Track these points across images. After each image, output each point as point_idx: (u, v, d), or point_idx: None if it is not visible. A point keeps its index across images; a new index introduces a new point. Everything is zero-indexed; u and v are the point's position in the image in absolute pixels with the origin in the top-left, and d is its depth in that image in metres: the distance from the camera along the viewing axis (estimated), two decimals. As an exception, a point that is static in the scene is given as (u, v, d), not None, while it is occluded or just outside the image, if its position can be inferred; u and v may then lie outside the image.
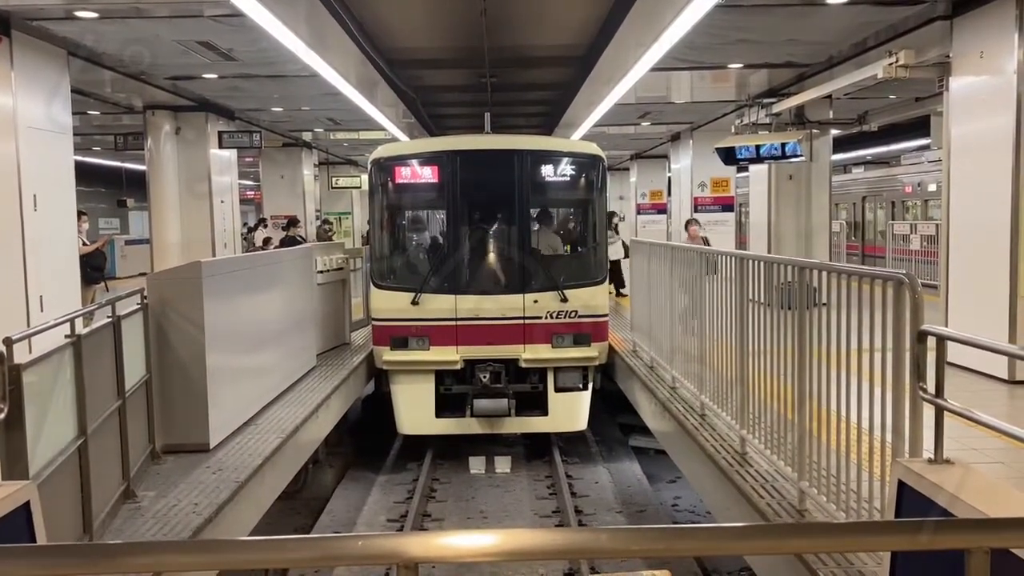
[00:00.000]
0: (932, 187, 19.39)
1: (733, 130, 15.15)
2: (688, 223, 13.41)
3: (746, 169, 16.67)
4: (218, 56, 11.03)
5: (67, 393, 4.94)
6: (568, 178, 11.44)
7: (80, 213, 11.62)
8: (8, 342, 4.02)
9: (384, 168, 11.31)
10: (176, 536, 5.24)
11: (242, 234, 19.57)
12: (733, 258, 6.66)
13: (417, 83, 14.62)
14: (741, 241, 21.19)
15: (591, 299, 10.96)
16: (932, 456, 3.60)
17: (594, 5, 10.18)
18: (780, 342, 5.50)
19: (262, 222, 22.78)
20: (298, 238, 16.58)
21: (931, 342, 3.74)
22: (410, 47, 12.27)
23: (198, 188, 14.96)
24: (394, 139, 18.54)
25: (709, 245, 11.26)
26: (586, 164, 11.42)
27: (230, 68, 11.94)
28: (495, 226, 11.62)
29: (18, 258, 8.90)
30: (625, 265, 14.01)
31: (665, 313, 8.94)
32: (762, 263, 6.03)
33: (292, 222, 17.63)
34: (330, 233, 20.81)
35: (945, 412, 3.65)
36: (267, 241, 18.22)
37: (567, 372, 10.98)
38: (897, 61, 9.47)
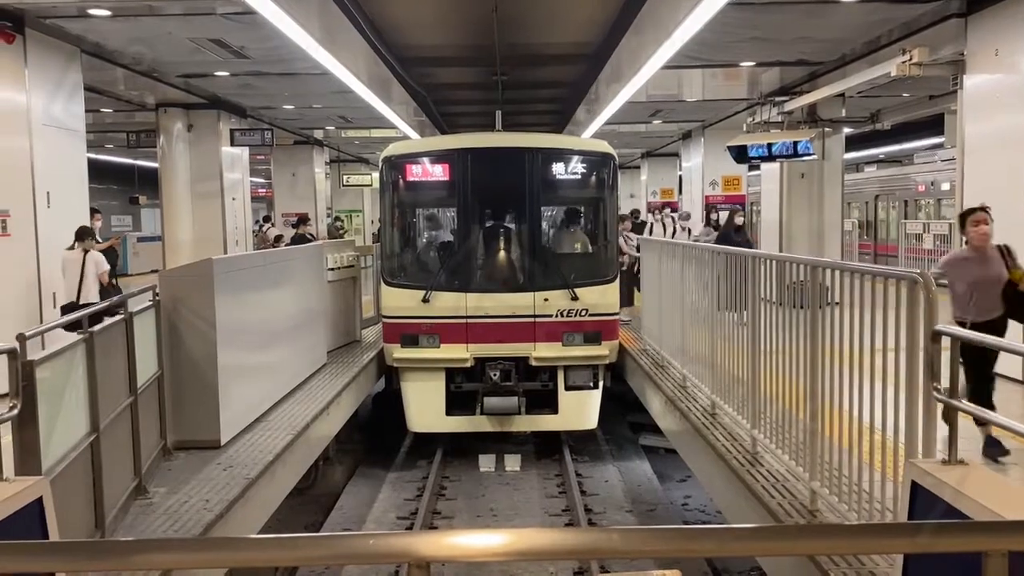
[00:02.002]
0: (945, 186, 19.27)
1: (745, 128, 15.09)
2: (972, 215, 6.29)
3: (758, 167, 16.60)
4: (230, 54, 11.07)
5: (79, 389, 4.95)
6: (579, 176, 11.42)
7: (93, 211, 11.69)
8: (21, 338, 4.04)
9: (395, 166, 11.31)
10: (187, 532, 5.26)
11: (254, 231, 19.64)
12: (743, 258, 6.63)
13: (428, 81, 14.63)
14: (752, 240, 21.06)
15: (602, 297, 10.94)
16: (945, 457, 3.57)
17: (605, 3, 10.15)
18: (792, 341, 5.47)
19: (267, 219, 22.81)
20: (308, 236, 16.61)
21: (945, 342, 3.71)
22: (421, 45, 12.28)
23: (210, 185, 15.02)
24: (405, 137, 18.55)
25: (1011, 252, 6.18)
26: (597, 162, 11.39)
27: (242, 66, 11.98)
28: (506, 224, 11.61)
29: (31, 255, 8.96)
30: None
31: (676, 312, 8.92)
32: (774, 262, 6.01)
33: (303, 219, 17.69)
34: (342, 231, 20.85)
35: (959, 413, 3.62)
36: (278, 239, 18.26)
37: (577, 370, 10.96)
38: (911, 59, 9.41)
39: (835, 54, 11.78)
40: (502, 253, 11.29)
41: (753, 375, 6.18)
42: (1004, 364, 7.71)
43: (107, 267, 9.76)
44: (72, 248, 9.51)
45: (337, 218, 24.01)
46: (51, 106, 9.34)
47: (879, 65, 10.49)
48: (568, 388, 10.98)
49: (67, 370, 4.82)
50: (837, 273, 4.91)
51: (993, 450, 5.59)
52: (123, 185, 29.90)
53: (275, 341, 8.75)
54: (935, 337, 3.72)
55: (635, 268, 12.94)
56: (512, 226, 11.52)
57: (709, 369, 7.53)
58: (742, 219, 13.30)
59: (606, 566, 7.88)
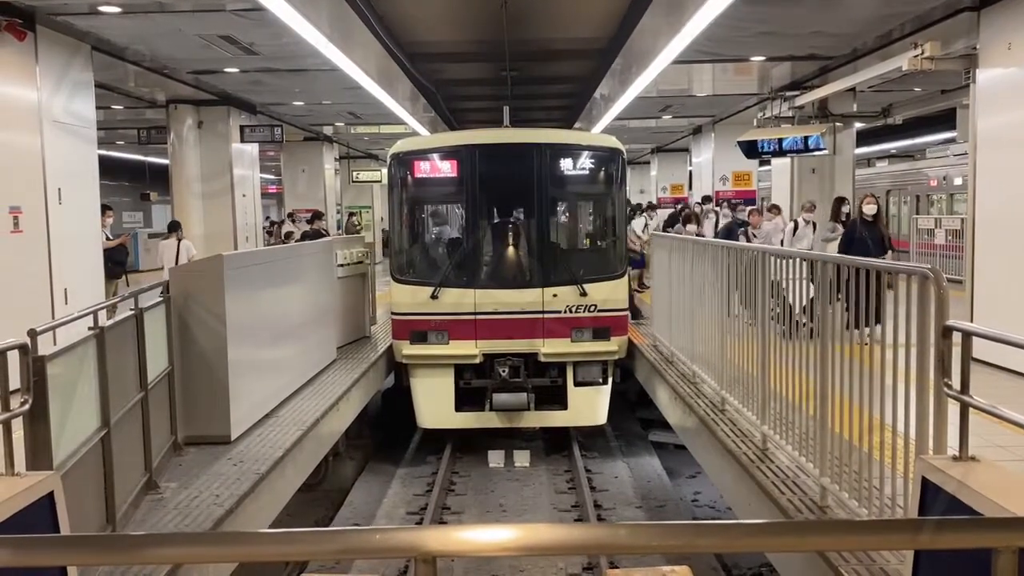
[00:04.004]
0: (958, 181, 19.15)
1: (755, 123, 15.04)
2: None
3: (768, 163, 16.54)
4: (240, 50, 11.09)
5: (90, 385, 4.98)
6: (587, 171, 11.39)
7: (105, 208, 11.81)
8: (32, 334, 4.06)
9: (403, 162, 11.31)
10: (198, 527, 5.28)
11: (264, 227, 19.71)
12: (755, 254, 6.61)
13: (437, 77, 14.63)
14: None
15: (610, 293, 10.92)
16: (956, 453, 3.55)
17: (615, -3, 10.13)
18: (803, 338, 5.45)
19: (290, 216, 22.70)
20: (322, 231, 16.77)
21: (956, 337, 3.68)
22: (431, 40, 12.28)
23: (220, 182, 15.08)
24: (414, 133, 18.56)
25: None
26: (605, 157, 11.36)
27: (252, 62, 12.00)
28: (514, 220, 11.60)
29: (43, 251, 9.01)
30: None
31: (685, 308, 8.89)
32: (782, 259, 5.98)
33: (316, 215, 17.92)
34: (358, 227, 21.00)
35: (970, 409, 3.60)
36: (288, 235, 18.40)
37: (586, 366, 10.95)
38: (923, 53, 9.35)
39: (846, 48, 11.71)
40: (510, 249, 11.29)
41: (763, 371, 6.16)
42: (1019, 360, 7.67)
43: (195, 252, 12.72)
44: (167, 238, 13.15)
45: (352, 213, 24.01)
46: (62, 103, 9.38)
47: (891, 59, 10.42)
48: (577, 384, 10.97)
49: (78, 366, 4.84)
50: (847, 269, 4.89)
51: None
52: (134, 182, 30.02)
53: (285, 337, 8.77)
54: (946, 333, 3.69)
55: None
56: (520, 222, 11.51)
57: (719, 364, 7.50)
58: (874, 208, 10.21)
59: (615, 562, 7.88)
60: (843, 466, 4.78)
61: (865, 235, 9.90)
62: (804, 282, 5.53)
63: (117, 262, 12.09)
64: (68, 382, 4.66)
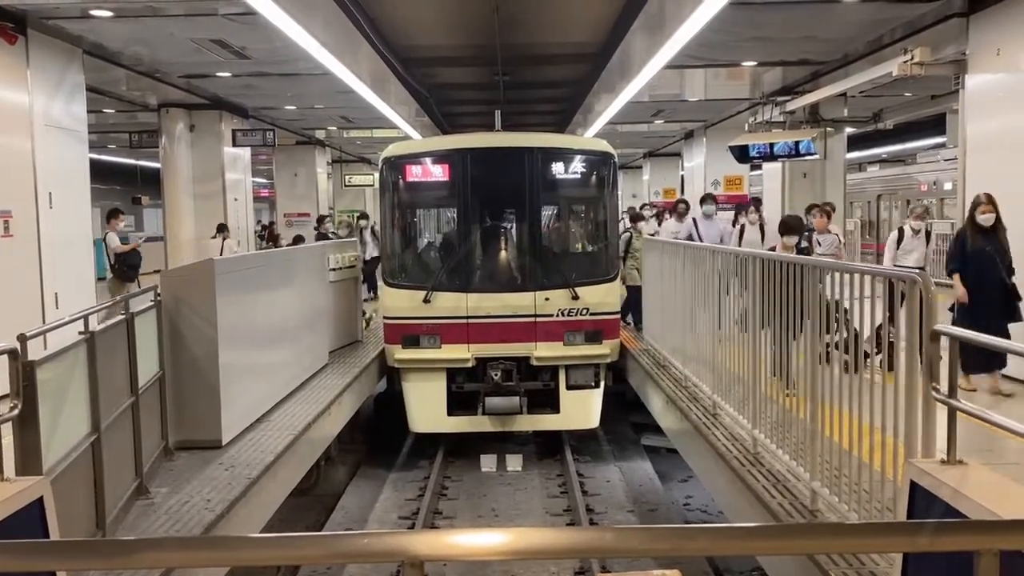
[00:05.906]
0: (948, 185, 19.24)
1: (747, 128, 15.10)
2: None
3: (760, 167, 16.60)
4: (232, 54, 11.09)
5: (81, 389, 4.96)
6: (579, 175, 11.41)
7: (118, 211, 11.93)
8: (22, 338, 4.05)
9: (395, 166, 11.32)
10: (188, 532, 5.27)
11: (256, 232, 19.66)
12: (750, 258, 6.63)
13: (430, 81, 14.64)
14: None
15: (603, 297, 10.94)
16: (944, 457, 3.57)
17: (608, 2, 10.15)
18: (795, 341, 5.47)
19: (324, 219, 21.83)
20: (329, 235, 16.97)
21: (944, 342, 3.71)
22: (423, 45, 12.29)
23: (211, 186, 15.08)
24: (407, 137, 18.57)
25: None
26: (596, 161, 11.39)
27: (244, 66, 11.99)
28: (506, 224, 11.61)
29: (34, 255, 8.98)
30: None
31: (677, 312, 8.92)
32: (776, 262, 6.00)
33: (320, 220, 18.12)
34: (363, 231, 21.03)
35: (958, 412, 3.63)
36: (277, 237, 18.57)
37: (579, 370, 10.96)
38: (913, 59, 9.42)
39: (837, 53, 11.77)
40: (502, 253, 11.30)
41: (754, 376, 6.18)
42: (1010, 365, 7.71)
43: (237, 249, 14.29)
44: (214, 238, 14.36)
45: (362, 215, 23.91)
46: (53, 107, 9.36)
47: (881, 65, 10.49)
48: (569, 387, 10.98)
49: (68, 370, 4.83)
50: (837, 274, 4.91)
51: None
52: (126, 185, 29.93)
53: (277, 341, 8.76)
54: (934, 337, 3.72)
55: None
56: (512, 226, 11.52)
57: (710, 368, 7.52)
58: (991, 217, 7.55)
59: (607, 566, 7.88)
60: (833, 470, 4.81)
61: (987, 248, 7.57)
62: (869, 302, 4.59)
63: (131, 266, 12.07)
64: (58, 387, 4.65)
